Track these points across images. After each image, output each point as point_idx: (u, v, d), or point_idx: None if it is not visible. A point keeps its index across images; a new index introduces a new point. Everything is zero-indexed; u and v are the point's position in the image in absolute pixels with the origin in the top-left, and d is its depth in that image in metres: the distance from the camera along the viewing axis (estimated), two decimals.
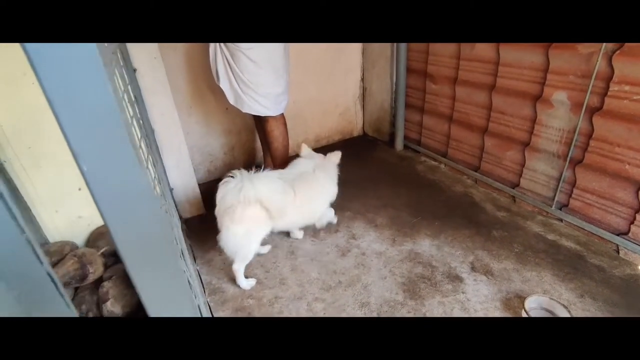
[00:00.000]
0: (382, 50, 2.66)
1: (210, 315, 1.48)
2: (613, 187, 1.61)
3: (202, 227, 2.05)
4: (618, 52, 1.45)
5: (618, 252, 1.66)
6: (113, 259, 1.79)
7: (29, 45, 0.38)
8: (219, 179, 2.53)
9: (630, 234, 1.60)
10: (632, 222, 1.58)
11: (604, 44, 1.47)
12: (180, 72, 2.18)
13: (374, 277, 1.63)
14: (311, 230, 1.97)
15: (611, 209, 1.65)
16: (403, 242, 1.83)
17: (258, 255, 1.76)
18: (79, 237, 1.80)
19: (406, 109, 2.68)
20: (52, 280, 0.48)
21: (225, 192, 1.49)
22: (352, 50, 2.81)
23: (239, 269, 1.57)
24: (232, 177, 1.51)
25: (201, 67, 2.17)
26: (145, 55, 1.69)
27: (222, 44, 1.73)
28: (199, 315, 0.59)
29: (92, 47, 0.39)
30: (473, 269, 1.64)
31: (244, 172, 1.50)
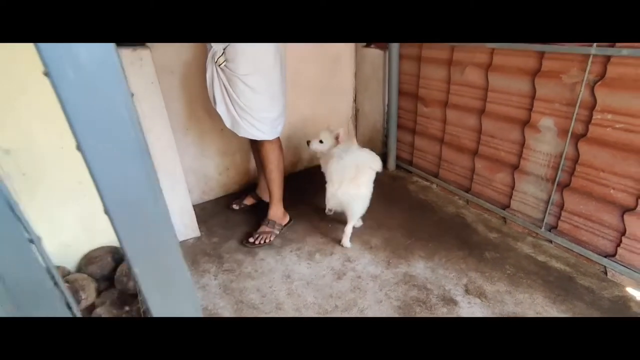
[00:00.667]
0: (374, 72, 2.73)
1: None
2: (599, 210, 1.67)
3: (197, 250, 2.05)
4: (599, 82, 1.53)
5: (606, 274, 1.70)
6: (106, 283, 1.77)
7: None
8: (214, 200, 2.55)
9: (617, 256, 1.65)
10: (618, 245, 1.63)
11: (586, 74, 1.54)
12: (177, 95, 2.20)
13: (370, 301, 1.64)
14: (306, 253, 1.98)
15: (598, 231, 1.71)
16: (398, 265, 1.85)
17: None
18: (70, 262, 1.78)
19: (398, 130, 2.74)
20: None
21: (344, 166, 1.84)
22: (344, 73, 2.88)
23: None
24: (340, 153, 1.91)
25: (197, 89, 2.20)
26: (143, 80, 1.71)
27: (219, 69, 1.76)
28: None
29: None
30: (467, 291, 1.67)
31: (351, 149, 1.92)
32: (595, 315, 1.50)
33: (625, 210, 1.57)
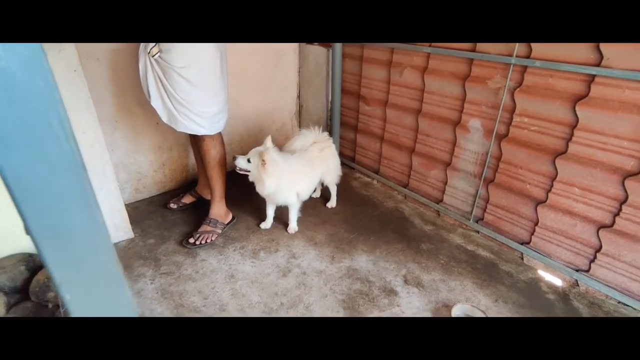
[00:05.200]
0: (317, 70, 2.75)
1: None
2: (517, 203, 1.87)
3: (130, 253, 1.90)
4: (518, 89, 1.70)
5: (522, 259, 1.92)
6: (18, 296, 1.56)
7: None
8: (148, 199, 2.38)
9: (531, 244, 1.87)
10: (532, 233, 1.85)
11: (507, 81, 1.71)
12: (105, 85, 2.00)
13: (315, 297, 1.66)
14: (250, 251, 1.94)
15: (516, 222, 1.91)
16: (342, 259, 1.90)
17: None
18: None
19: (341, 127, 2.80)
20: None
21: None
22: (288, 69, 2.85)
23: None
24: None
25: (128, 79, 2.03)
26: (63, 68, 1.52)
27: (152, 60, 1.64)
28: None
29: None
30: (406, 281, 1.77)
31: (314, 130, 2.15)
32: (514, 296, 1.69)
33: (538, 202, 1.78)
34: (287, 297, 1.65)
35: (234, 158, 1.89)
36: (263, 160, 1.79)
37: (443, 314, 1.58)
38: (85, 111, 1.63)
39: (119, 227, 1.95)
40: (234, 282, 1.73)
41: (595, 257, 1.64)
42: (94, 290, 0.48)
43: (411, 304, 1.63)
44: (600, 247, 1.61)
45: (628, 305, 1.60)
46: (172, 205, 2.25)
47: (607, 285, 1.63)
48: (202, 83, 1.70)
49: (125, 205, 2.02)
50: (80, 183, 0.40)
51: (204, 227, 1.99)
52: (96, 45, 1.90)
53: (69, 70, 1.53)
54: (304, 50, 2.81)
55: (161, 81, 1.67)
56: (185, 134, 2.12)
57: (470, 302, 1.65)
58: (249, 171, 1.89)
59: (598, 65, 1.45)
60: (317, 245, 2.00)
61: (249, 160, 1.87)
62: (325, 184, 2.33)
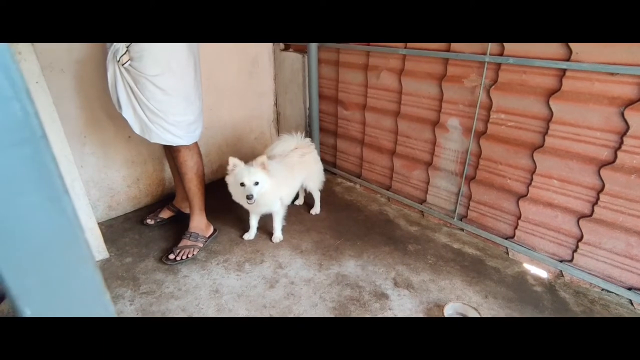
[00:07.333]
0: (293, 76, 2.73)
1: None
2: (499, 198, 1.89)
3: (106, 273, 1.78)
4: (494, 86, 1.73)
5: (508, 254, 1.94)
6: None
7: None
8: (123, 216, 2.27)
9: (515, 238, 1.89)
10: (516, 227, 1.87)
11: (483, 79, 1.74)
12: (70, 97, 1.90)
13: (305, 306, 1.61)
14: (235, 264, 1.86)
15: (500, 217, 1.93)
16: (330, 266, 1.85)
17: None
18: None
19: (320, 133, 2.78)
20: None
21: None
22: (264, 76, 2.82)
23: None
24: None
25: (96, 91, 1.93)
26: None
27: (122, 69, 1.56)
28: None
29: None
30: (396, 284, 1.74)
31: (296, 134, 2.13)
32: (502, 290, 1.69)
33: (520, 197, 1.81)
34: (276, 308, 1.59)
35: (247, 193, 1.73)
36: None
37: (435, 314, 1.57)
38: (49, 125, 1.53)
39: (93, 247, 1.84)
40: (219, 297, 1.65)
41: (577, 246, 1.68)
42: (63, 300, 0.40)
43: (403, 307, 1.61)
44: (582, 237, 1.65)
45: (611, 292, 1.63)
46: (149, 221, 2.15)
47: (590, 274, 1.67)
48: (176, 91, 1.64)
49: (99, 223, 1.92)
50: (36, 158, 0.29)
51: (184, 242, 1.90)
52: (60, 55, 1.80)
53: (30, 82, 1.43)
54: (279, 56, 2.79)
55: (132, 91, 1.60)
56: (160, 145, 2.04)
57: (461, 300, 1.64)
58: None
59: (568, 59, 1.49)
60: (304, 254, 1.95)
61: (256, 183, 1.75)
62: (308, 190, 2.29)
